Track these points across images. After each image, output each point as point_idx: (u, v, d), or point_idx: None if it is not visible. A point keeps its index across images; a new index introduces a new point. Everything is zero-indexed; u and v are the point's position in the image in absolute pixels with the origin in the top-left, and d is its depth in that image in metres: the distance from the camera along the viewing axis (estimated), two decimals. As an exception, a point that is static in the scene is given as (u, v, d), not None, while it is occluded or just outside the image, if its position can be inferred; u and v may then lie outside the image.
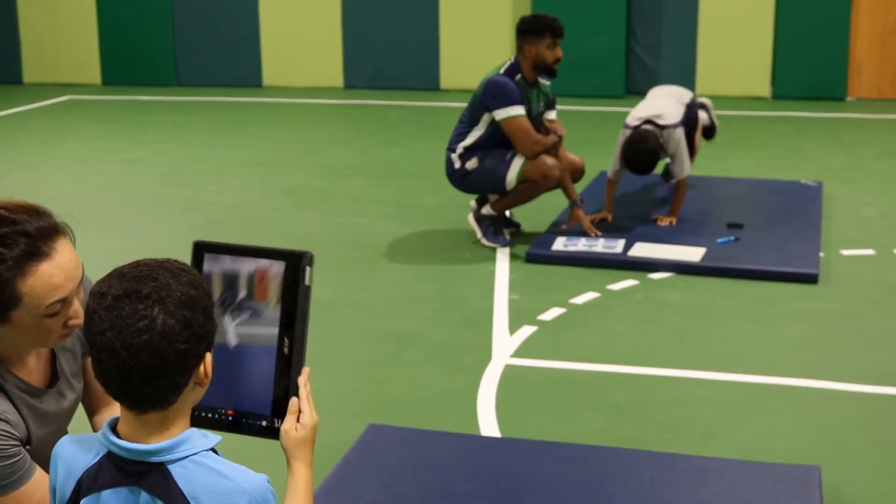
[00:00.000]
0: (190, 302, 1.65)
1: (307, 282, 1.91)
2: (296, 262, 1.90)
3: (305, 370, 1.92)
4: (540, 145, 5.89)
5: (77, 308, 2.06)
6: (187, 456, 1.66)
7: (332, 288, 5.32)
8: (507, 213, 6.22)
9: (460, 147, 6.01)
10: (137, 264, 1.69)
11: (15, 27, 12.44)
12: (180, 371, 1.65)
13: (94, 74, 12.38)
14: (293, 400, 1.90)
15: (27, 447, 2.09)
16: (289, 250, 1.92)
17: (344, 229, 6.40)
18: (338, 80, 11.92)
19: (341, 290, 5.32)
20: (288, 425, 1.89)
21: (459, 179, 6.03)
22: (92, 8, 12.20)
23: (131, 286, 1.64)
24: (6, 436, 2.03)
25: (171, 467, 1.65)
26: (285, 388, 1.91)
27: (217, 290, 1.93)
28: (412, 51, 11.66)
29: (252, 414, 1.93)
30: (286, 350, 1.90)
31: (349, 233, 6.33)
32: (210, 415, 1.93)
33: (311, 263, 1.91)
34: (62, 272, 2.01)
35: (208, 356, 1.70)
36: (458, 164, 5.99)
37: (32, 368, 2.16)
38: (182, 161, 8.41)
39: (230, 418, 1.92)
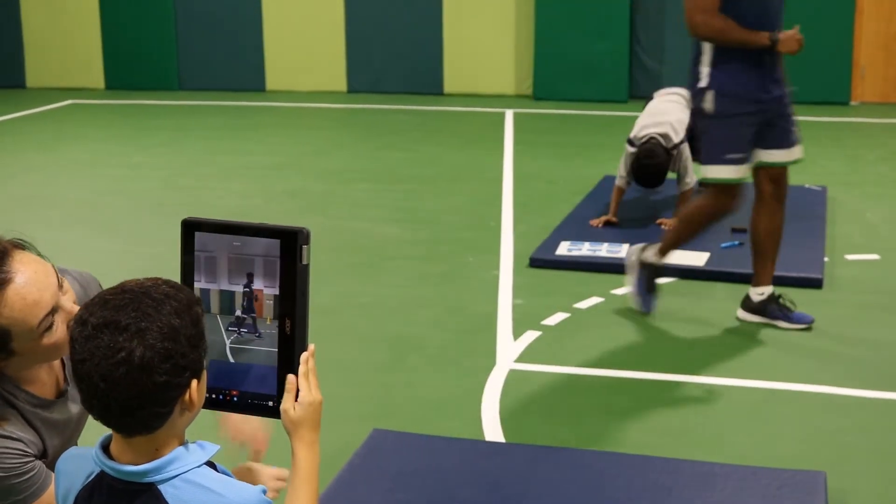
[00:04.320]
0: (172, 333, 1.61)
1: (304, 261, 1.85)
2: (291, 241, 1.85)
3: (311, 347, 1.87)
4: (707, 27, 4.43)
5: (72, 309, 1.99)
6: (177, 475, 1.64)
7: (335, 293, 5.31)
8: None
9: (706, 56, 4.53)
10: (122, 290, 1.65)
11: (18, 31, 12.45)
12: (161, 402, 1.62)
13: (97, 79, 12.39)
14: (290, 378, 1.84)
15: (44, 459, 2.09)
16: (283, 227, 1.86)
17: (346, 234, 6.39)
18: (341, 84, 11.92)
19: (344, 295, 5.31)
20: (287, 404, 1.83)
21: (698, 112, 4.62)
22: (95, 12, 12.21)
23: (111, 316, 1.60)
24: (20, 454, 2.03)
25: (161, 487, 1.64)
26: (290, 369, 1.86)
27: (215, 305, 1.89)
28: (415, 55, 11.66)
29: (257, 394, 1.89)
30: (288, 330, 1.86)
31: (351, 237, 6.32)
32: (215, 395, 1.90)
33: (307, 241, 1.85)
34: (32, 287, 1.95)
35: (195, 383, 1.66)
36: (703, 83, 4.52)
37: (44, 380, 2.14)
38: (184, 165, 8.41)
39: (235, 399, 1.89)
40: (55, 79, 12.44)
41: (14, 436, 2.04)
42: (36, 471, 2.04)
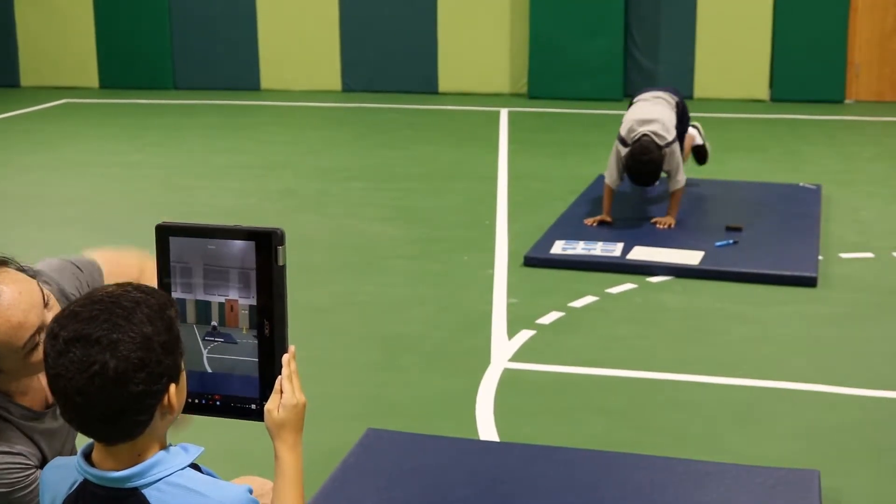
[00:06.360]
0: (145, 342, 1.59)
1: (281, 262, 1.83)
2: (266, 242, 1.82)
3: (291, 349, 1.86)
4: None
5: None
6: (161, 478, 1.64)
7: (330, 291, 5.31)
8: None
9: None
10: (91, 300, 1.62)
11: (12, 31, 12.43)
12: (140, 411, 1.61)
13: (91, 78, 12.37)
14: (278, 378, 1.83)
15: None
16: (257, 229, 1.83)
17: (341, 232, 6.39)
18: (335, 83, 11.92)
19: (339, 294, 5.31)
20: (271, 405, 1.82)
21: None
22: (89, 11, 12.19)
23: (82, 329, 1.58)
24: (22, 467, 2.02)
25: (145, 491, 1.63)
26: (271, 370, 1.85)
27: (191, 315, 1.88)
28: (410, 54, 11.65)
29: (240, 398, 1.89)
30: (267, 332, 1.85)
31: (347, 236, 6.32)
32: (198, 400, 1.89)
33: (282, 242, 1.82)
34: (17, 308, 1.92)
35: (173, 387, 1.64)
36: None
37: (35, 390, 2.14)
38: (179, 164, 8.40)
39: (218, 403, 1.89)
40: (49, 78, 12.42)
41: (14, 450, 2.03)
42: (39, 480, 2.04)
